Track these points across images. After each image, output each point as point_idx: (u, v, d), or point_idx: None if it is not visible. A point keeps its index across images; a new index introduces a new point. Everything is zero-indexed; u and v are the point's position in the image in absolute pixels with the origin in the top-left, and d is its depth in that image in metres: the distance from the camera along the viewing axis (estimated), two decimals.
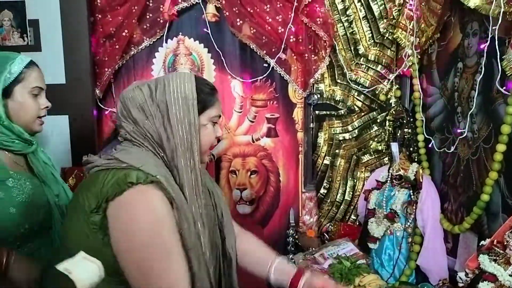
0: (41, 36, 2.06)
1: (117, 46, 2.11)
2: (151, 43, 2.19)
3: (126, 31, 2.10)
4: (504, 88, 1.47)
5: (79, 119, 2.07)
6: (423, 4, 2.02)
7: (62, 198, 1.39)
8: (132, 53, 2.19)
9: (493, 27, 1.50)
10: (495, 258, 1.37)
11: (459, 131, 1.76)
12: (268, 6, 2.13)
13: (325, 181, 2.38)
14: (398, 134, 2.16)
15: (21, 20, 2.04)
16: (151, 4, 2.16)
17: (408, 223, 2.01)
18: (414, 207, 1.99)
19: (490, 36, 1.52)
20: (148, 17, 2.17)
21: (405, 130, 2.14)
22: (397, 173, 2.07)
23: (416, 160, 2.10)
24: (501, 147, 1.50)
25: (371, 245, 2.06)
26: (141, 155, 1.07)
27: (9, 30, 2.04)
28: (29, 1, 2.04)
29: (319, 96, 2.31)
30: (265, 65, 2.23)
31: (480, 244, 1.50)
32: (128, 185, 0.96)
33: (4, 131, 1.26)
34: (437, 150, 1.97)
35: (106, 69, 2.12)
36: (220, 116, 1.22)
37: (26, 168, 1.34)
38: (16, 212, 1.22)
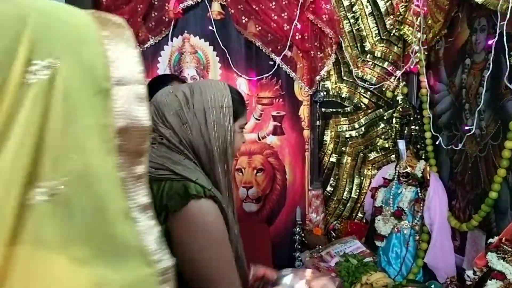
0: None
1: None
2: (157, 41, 2.19)
3: (131, 30, 2.10)
4: None
5: None
6: None
7: None
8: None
9: (501, 23, 1.48)
10: (503, 256, 1.35)
11: (466, 128, 1.74)
12: (274, 3, 2.12)
13: (332, 179, 2.37)
14: (405, 131, 2.14)
15: None
16: (156, 3, 2.16)
17: (416, 221, 2.00)
18: (421, 205, 1.98)
19: (498, 31, 1.50)
20: (153, 15, 2.17)
21: (412, 127, 2.12)
22: (404, 171, 2.06)
23: (423, 157, 2.09)
24: (509, 144, 1.48)
25: (378, 243, 2.05)
26: (189, 166, 1.11)
27: None
28: None
29: (325, 93, 2.29)
30: (271, 62, 2.22)
31: (488, 242, 1.49)
32: (192, 197, 1.00)
33: None
34: (444, 147, 1.95)
35: None
36: (247, 123, 1.29)
37: None
38: None
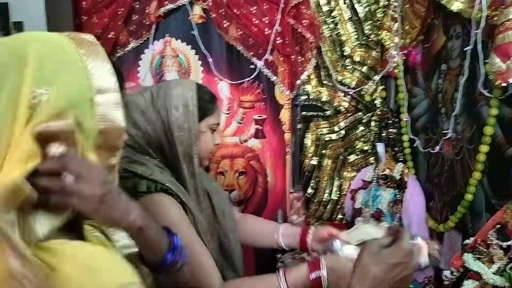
0: None
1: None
2: (138, 45, 2.18)
3: (112, 33, 2.09)
4: (487, 90, 1.50)
5: None
6: (407, 6, 2.05)
7: None
8: (118, 55, 2.17)
9: (476, 31, 1.53)
10: (479, 256, 1.40)
11: (443, 132, 1.79)
12: (255, 8, 2.14)
13: (312, 181, 2.40)
14: (384, 134, 2.19)
15: (5, 22, 2.01)
16: (137, 6, 2.15)
17: (394, 222, 2.04)
18: (399, 206, 2.03)
19: (472, 39, 1.55)
20: (134, 18, 2.16)
21: (390, 130, 2.17)
22: (383, 173, 2.10)
23: (401, 160, 2.14)
24: (484, 148, 1.53)
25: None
26: (146, 163, 1.08)
27: None
28: (13, 3, 2.01)
29: (305, 97, 2.33)
30: (252, 66, 2.24)
31: (464, 242, 1.54)
32: (140, 195, 0.97)
33: None
34: (421, 150, 2.00)
35: None
36: (219, 124, 1.24)
37: None
38: None
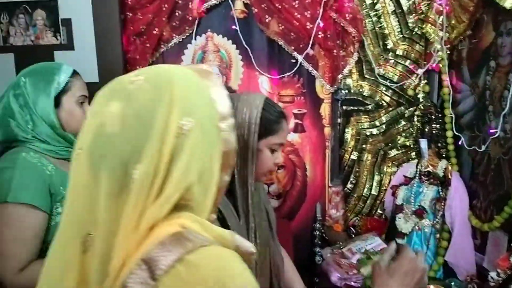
0: (74, 35, 2.10)
1: (147, 44, 2.14)
2: (180, 40, 2.21)
3: (156, 29, 2.13)
4: None
5: None
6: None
7: None
8: (162, 50, 2.21)
9: None
10: None
11: (492, 131, 1.75)
12: (297, 2, 2.13)
13: (352, 176, 2.39)
14: (426, 130, 2.16)
15: (54, 19, 2.08)
16: (180, 1, 2.17)
17: (437, 220, 2.03)
18: (442, 204, 2.01)
19: None
20: (177, 14, 2.18)
21: (434, 125, 2.13)
22: (425, 169, 2.08)
23: (444, 156, 2.11)
24: None
25: (399, 241, 2.08)
26: None
27: (43, 29, 2.09)
28: (61, 1, 2.07)
29: (346, 91, 2.31)
30: (293, 60, 2.23)
31: (511, 244, 1.52)
32: None
33: (61, 140, 1.31)
34: (467, 148, 1.96)
35: (138, 67, 2.15)
36: (283, 144, 1.23)
37: None
38: None
